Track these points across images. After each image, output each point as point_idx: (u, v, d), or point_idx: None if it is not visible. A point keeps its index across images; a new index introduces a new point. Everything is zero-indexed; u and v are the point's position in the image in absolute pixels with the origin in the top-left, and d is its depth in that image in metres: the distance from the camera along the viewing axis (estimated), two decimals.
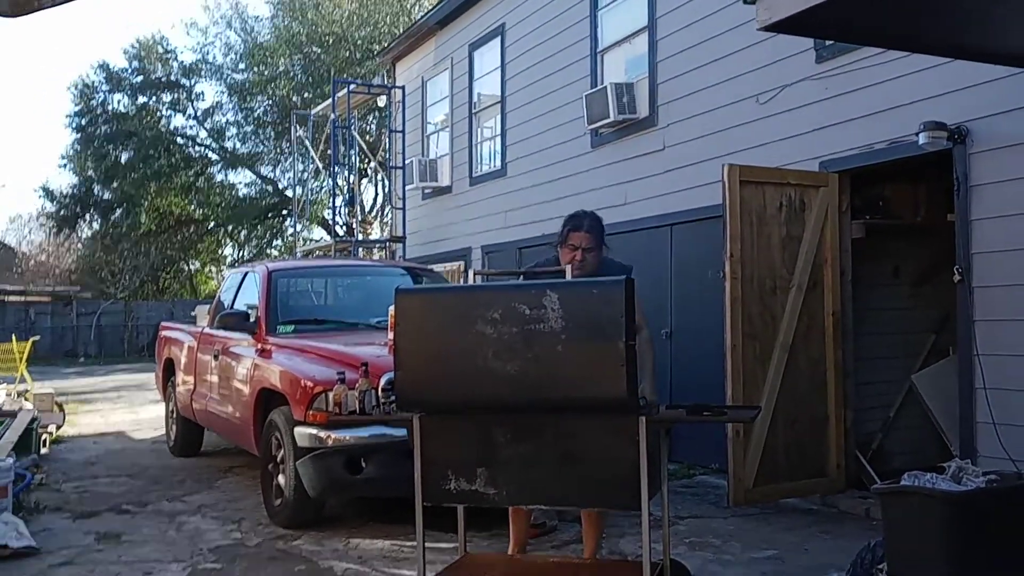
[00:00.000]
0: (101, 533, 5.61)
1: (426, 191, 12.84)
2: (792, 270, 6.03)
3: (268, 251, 31.66)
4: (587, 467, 3.19)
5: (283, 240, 31.08)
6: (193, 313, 10.51)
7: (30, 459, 7.58)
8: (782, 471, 5.93)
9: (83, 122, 28.98)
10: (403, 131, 13.82)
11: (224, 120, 29.78)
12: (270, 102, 28.05)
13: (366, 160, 20.82)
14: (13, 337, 13.66)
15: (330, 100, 15.07)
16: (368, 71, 23.98)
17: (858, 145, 6.13)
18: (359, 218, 17.15)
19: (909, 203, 6.81)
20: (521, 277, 4.47)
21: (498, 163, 11.11)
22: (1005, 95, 5.16)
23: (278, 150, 29.18)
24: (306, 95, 26.61)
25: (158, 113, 29.68)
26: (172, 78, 29.32)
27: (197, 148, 30.14)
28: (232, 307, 7.33)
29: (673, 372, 7.60)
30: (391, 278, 7.48)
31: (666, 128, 8.06)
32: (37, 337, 17.77)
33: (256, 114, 28.93)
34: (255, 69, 27.89)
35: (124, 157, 28.80)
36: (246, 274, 7.60)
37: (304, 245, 20.87)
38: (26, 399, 10.36)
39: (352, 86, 14.89)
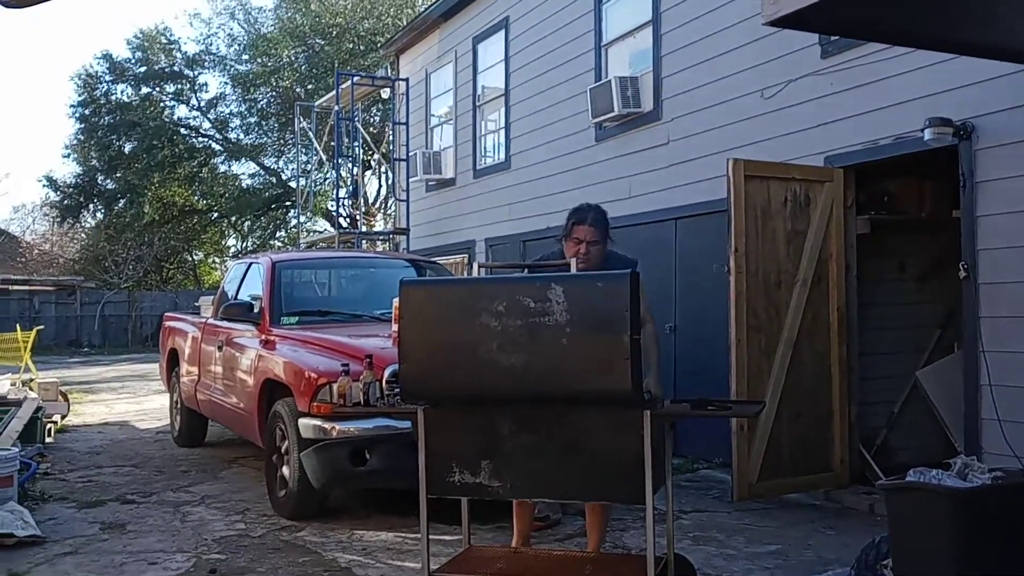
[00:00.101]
0: (106, 523, 5.63)
1: (430, 183, 12.83)
2: (797, 265, 6.03)
3: (271, 242, 31.67)
4: (591, 461, 3.20)
5: (286, 231, 31.11)
6: (197, 304, 10.53)
7: (35, 448, 7.61)
8: (786, 466, 5.93)
9: (86, 112, 29.01)
10: (407, 123, 13.80)
11: (228, 111, 29.87)
12: (274, 93, 28.05)
13: (370, 152, 20.79)
14: (17, 327, 13.69)
15: (334, 92, 15.06)
16: (372, 63, 23.95)
17: (863, 140, 6.12)
18: (363, 210, 17.13)
19: (914, 199, 6.80)
20: (525, 270, 4.47)
21: (502, 156, 11.10)
22: (1011, 91, 5.14)
23: (282, 141, 29.20)
24: (310, 87, 26.61)
25: (161, 103, 29.71)
26: (175, 69, 29.34)
27: (201, 139, 30.18)
28: (236, 298, 7.33)
29: (677, 366, 7.59)
30: (395, 270, 7.49)
31: (670, 122, 8.04)
32: (41, 327, 17.78)
33: (260, 105, 28.94)
34: (259, 60, 27.88)
35: (128, 147, 28.84)
36: (250, 265, 7.60)
37: (307, 237, 20.89)
38: (31, 388, 10.38)
39: (356, 78, 14.86)
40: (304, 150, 20.14)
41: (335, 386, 4.36)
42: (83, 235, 32.77)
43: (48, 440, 8.54)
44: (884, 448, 6.74)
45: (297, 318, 6.55)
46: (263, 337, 6.32)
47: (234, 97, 29.44)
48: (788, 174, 6.09)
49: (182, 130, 29.77)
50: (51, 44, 61.48)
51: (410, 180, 13.26)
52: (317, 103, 17.89)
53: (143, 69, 29.03)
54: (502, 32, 11.01)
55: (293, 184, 26.23)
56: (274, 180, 29.95)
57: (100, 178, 29.76)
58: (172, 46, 29.35)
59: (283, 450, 5.69)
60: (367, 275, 7.79)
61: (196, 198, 30.53)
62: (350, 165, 15.91)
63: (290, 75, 27.07)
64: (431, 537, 3.45)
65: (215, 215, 31.27)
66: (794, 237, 6.03)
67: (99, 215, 31.15)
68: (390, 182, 19.21)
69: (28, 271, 29.11)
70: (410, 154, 13.19)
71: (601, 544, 4.27)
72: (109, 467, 7.53)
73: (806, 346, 6.02)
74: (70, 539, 5.22)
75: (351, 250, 12.98)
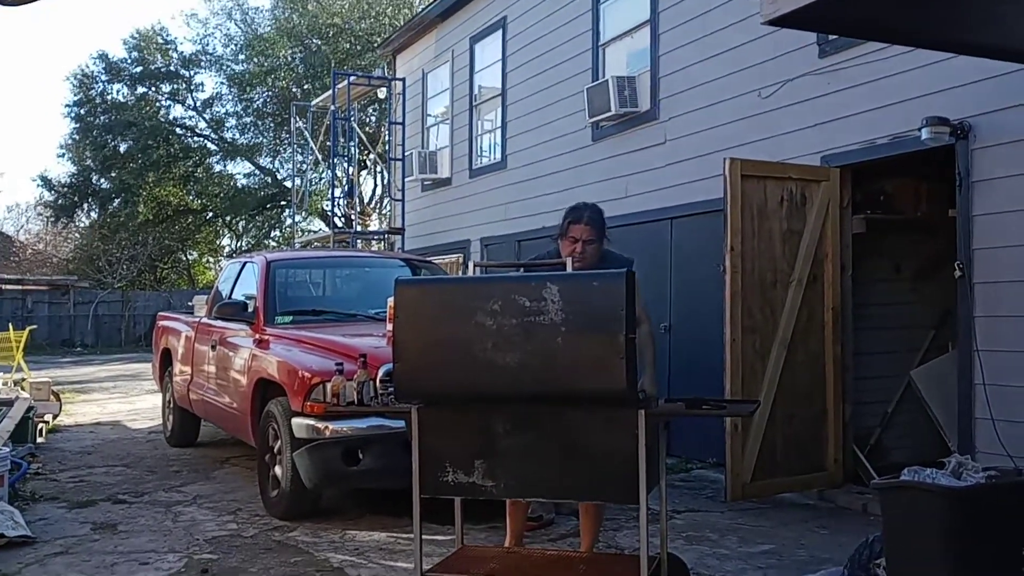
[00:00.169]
0: (97, 523, 5.59)
1: (425, 183, 12.81)
2: (792, 264, 6.02)
3: (266, 242, 31.62)
4: (585, 460, 3.18)
5: (281, 231, 31.07)
6: (191, 303, 10.50)
7: (26, 448, 7.57)
8: (780, 466, 5.93)
9: (82, 112, 28.95)
10: (403, 123, 13.79)
11: (223, 111, 29.81)
12: (270, 93, 28.01)
13: (365, 152, 20.77)
14: (10, 326, 13.66)
15: (330, 92, 15.04)
16: (368, 63, 23.94)
17: (860, 140, 6.11)
18: (358, 210, 17.12)
19: (911, 198, 6.80)
20: (521, 270, 4.45)
21: (498, 155, 11.09)
22: (1008, 91, 5.14)
23: (277, 141, 29.17)
24: (306, 86, 26.58)
25: (157, 103, 29.66)
26: (171, 68, 29.28)
27: (196, 138, 30.13)
28: (230, 297, 7.31)
29: (672, 366, 7.58)
30: (390, 269, 7.47)
31: (667, 122, 8.03)
32: (34, 326, 17.77)
33: (256, 105, 28.90)
34: (255, 60, 27.85)
35: (123, 147, 28.78)
36: (244, 264, 7.58)
37: (303, 236, 20.86)
38: (23, 388, 10.35)
39: (352, 78, 14.85)
40: (300, 150, 20.12)
41: (329, 385, 4.35)
42: (77, 235, 32.71)
43: (39, 440, 8.50)
44: (878, 448, 6.74)
45: (291, 317, 6.53)
46: (257, 336, 6.30)
47: (230, 97, 29.42)
48: (785, 173, 6.09)
49: (177, 130, 29.71)
50: (47, 44, 61.40)
51: (406, 180, 13.25)
52: (313, 103, 17.86)
53: (139, 69, 28.97)
54: (499, 32, 11.00)
55: (288, 184, 26.23)
56: (269, 180, 29.91)
57: (95, 178, 29.70)
58: (168, 46, 29.31)
59: (276, 450, 5.67)
60: (362, 274, 7.77)
61: (191, 198, 30.48)
62: (346, 165, 15.89)
63: (286, 75, 27.05)
64: (424, 537, 3.43)
65: (210, 215, 31.21)
66: (790, 236, 6.03)
67: (93, 215, 31.09)
68: (385, 182, 19.18)
69: (21, 271, 29.01)
70: (406, 154, 13.18)
71: (594, 544, 4.25)
72: (101, 467, 7.49)
73: (801, 345, 6.01)
74: (61, 539, 5.19)
75: (346, 249, 12.96)
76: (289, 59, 27.25)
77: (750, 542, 5.11)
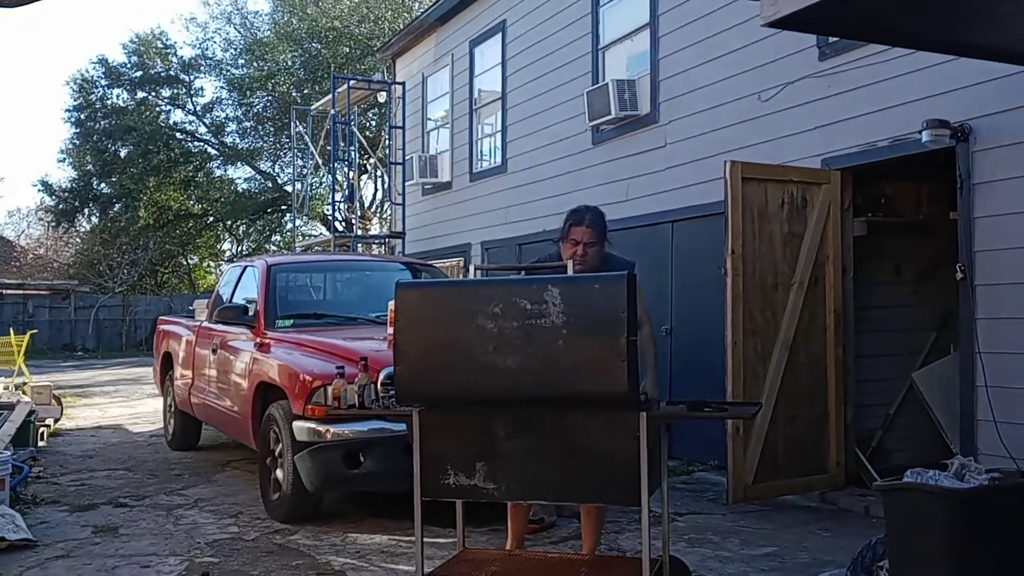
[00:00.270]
0: (99, 526, 5.59)
1: (426, 187, 12.81)
2: (794, 267, 6.02)
3: (267, 246, 31.63)
4: (587, 462, 3.17)
5: (282, 235, 31.08)
6: (191, 307, 10.51)
7: (28, 452, 7.57)
8: (782, 468, 5.92)
9: (82, 116, 28.99)
10: (403, 127, 13.79)
11: (223, 115, 29.84)
12: (270, 98, 28.04)
13: (366, 156, 20.79)
14: (11, 330, 13.64)
15: (330, 96, 15.04)
16: (368, 67, 23.93)
17: (861, 142, 6.11)
18: (358, 214, 17.11)
19: (911, 201, 6.80)
20: (522, 273, 4.45)
21: (498, 159, 11.09)
22: (1009, 93, 5.14)
23: (278, 145, 29.20)
24: (306, 91, 26.61)
25: (157, 108, 29.70)
26: (171, 73, 29.33)
27: (196, 143, 30.14)
28: (231, 301, 7.30)
29: (673, 368, 7.58)
30: (390, 273, 7.46)
31: (668, 125, 8.04)
32: (35, 331, 17.78)
33: (256, 109, 28.92)
34: (255, 64, 27.87)
35: (123, 152, 28.80)
36: (245, 268, 7.58)
37: (303, 240, 20.86)
38: (24, 392, 10.34)
39: (352, 82, 14.86)
40: (300, 154, 20.13)
41: (330, 388, 4.34)
42: (78, 239, 32.72)
43: (41, 444, 8.50)
44: (880, 450, 6.74)
45: (292, 321, 6.53)
46: (258, 340, 6.30)
47: (230, 101, 29.45)
48: (785, 176, 6.09)
49: (178, 134, 29.74)
50: (47, 49, 61.47)
51: (406, 184, 13.25)
52: (313, 107, 17.87)
53: (139, 74, 29.01)
54: (499, 35, 11.01)
55: (289, 188, 26.22)
56: (270, 184, 29.92)
57: (95, 182, 29.72)
58: (168, 51, 29.35)
59: (277, 453, 5.66)
60: (362, 278, 7.77)
61: (191, 202, 30.50)
62: (346, 169, 15.89)
63: (286, 79, 27.06)
64: (425, 540, 3.42)
65: (210, 219, 31.23)
66: (791, 239, 6.02)
67: (94, 219, 31.10)
68: (386, 186, 19.17)
69: (22, 275, 29.01)
70: (406, 158, 13.18)
71: (596, 546, 4.25)
72: (102, 470, 7.49)
73: (802, 348, 6.01)
74: (62, 543, 5.19)
75: (346, 253, 12.96)
76: (289, 63, 27.27)
77: (752, 544, 5.10)
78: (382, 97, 16.08)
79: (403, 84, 13.92)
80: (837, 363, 6.15)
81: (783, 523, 5.60)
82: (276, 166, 30.10)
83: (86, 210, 30.81)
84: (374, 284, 7.27)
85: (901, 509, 3.60)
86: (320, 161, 18.43)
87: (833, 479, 6.12)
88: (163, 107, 29.87)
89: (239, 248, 32.73)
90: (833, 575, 4.23)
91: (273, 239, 31.93)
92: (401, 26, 20.32)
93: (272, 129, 28.84)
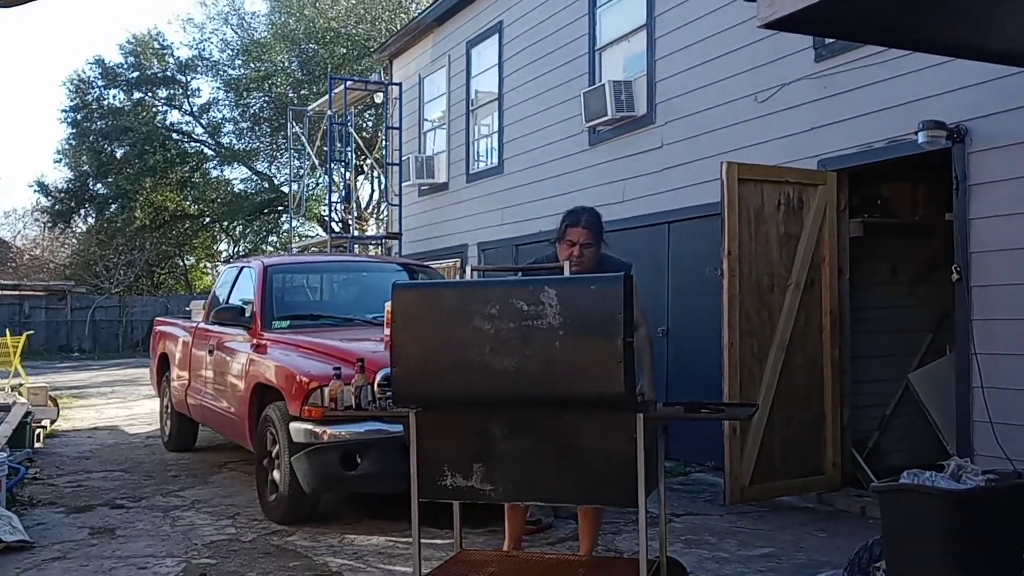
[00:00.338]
0: (95, 528, 5.58)
1: (423, 188, 12.81)
2: (790, 268, 6.02)
3: (263, 247, 31.61)
4: (584, 464, 3.18)
5: (278, 236, 31.05)
6: (188, 308, 10.50)
7: (24, 453, 7.56)
8: (778, 469, 5.92)
9: (78, 117, 28.97)
10: (400, 128, 13.79)
11: (220, 116, 29.82)
12: (266, 98, 28.02)
13: (363, 157, 20.77)
14: (7, 331, 13.64)
15: (327, 96, 15.03)
16: (365, 68, 23.93)
17: (857, 144, 6.12)
18: (355, 215, 17.11)
19: (908, 202, 6.81)
20: (519, 274, 4.45)
21: (495, 160, 11.09)
22: (1005, 94, 5.15)
23: (274, 146, 29.17)
24: (303, 91, 26.58)
25: (154, 108, 29.68)
26: (168, 74, 29.31)
27: (193, 144, 30.12)
28: (227, 302, 7.29)
29: (670, 369, 7.58)
30: (387, 274, 7.45)
31: (664, 126, 8.04)
32: (31, 332, 17.75)
33: (252, 110, 28.90)
34: (251, 65, 27.85)
35: (119, 152, 28.78)
36: (241, 269, 7.57)
37: (300, 241, 20.84)
38: (20, 393, 10.33)
39: (349, 83, 14.85)
40: (297, 155, 20.11)
41: (326, 390, 4.33)
42: (74, 240, 32.68)
43: (37, 445, 8.49)
44: (876, 451, 6.75)
45: (288, 322, 6.52)
46: (254, 341, 6.29)
47: (227, 102, 29.44)
48: (782, 177, 6.09)
49: (174, 135, 29.71)
50: (43, 49, 61.38)
51: (403, 184, 13.25)
52: (310, 108, 17.85)
53: (135, 74, 28.99)
54: (496, 36, 11.01)
55: (285, 189, 26.20)
56: (266, 185, 29.90)
57: (91, 183, 29.69)
58: (165, 51, 29.33)
59: (274, 454, 5.66)
60: (359, 279, 7.77)
61: (188, 203, 30.47)
62: (343, 169, 15.88)
63: (283, 80, 27.05)
64: (422, 541, 3.42)
65: (207, 220, 31.20)
66: (787, 240, 6.03)
67: (90, 220, 31.07)
68: (383, 186, 19.18)
69: (18, 276, 28.98)
70: (403, 158, 13.18)
71: (593, 547, 4.25)
72: (98, 472, 7.48)
73: (798, 349, 6.02)
74: (58, 544, 5.18)
75: (343, 254, 12.95)
76: (286, 64, 27.26)
77: (749, 545, 5.11)
78: (379, 98, 16.09)
79: (400, 85, 13.93)
80: (833, 364, 6.16)
81: (780, 524, 5.61)
82: (273, 167, 30.12)
83: (82, 211, 30.78)
84: (371, 285, 7.26)
85: (897, 510, 3.61)
86: (317, 162, 18.44)
87: (830, 480, 6.13)
88: (160, 108, 29.87)
89: (236, 249, 32.72)
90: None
91: (270, 240, 31.92)
92: (398, 27, 20.32)
93: (269, 130, 28.82)
